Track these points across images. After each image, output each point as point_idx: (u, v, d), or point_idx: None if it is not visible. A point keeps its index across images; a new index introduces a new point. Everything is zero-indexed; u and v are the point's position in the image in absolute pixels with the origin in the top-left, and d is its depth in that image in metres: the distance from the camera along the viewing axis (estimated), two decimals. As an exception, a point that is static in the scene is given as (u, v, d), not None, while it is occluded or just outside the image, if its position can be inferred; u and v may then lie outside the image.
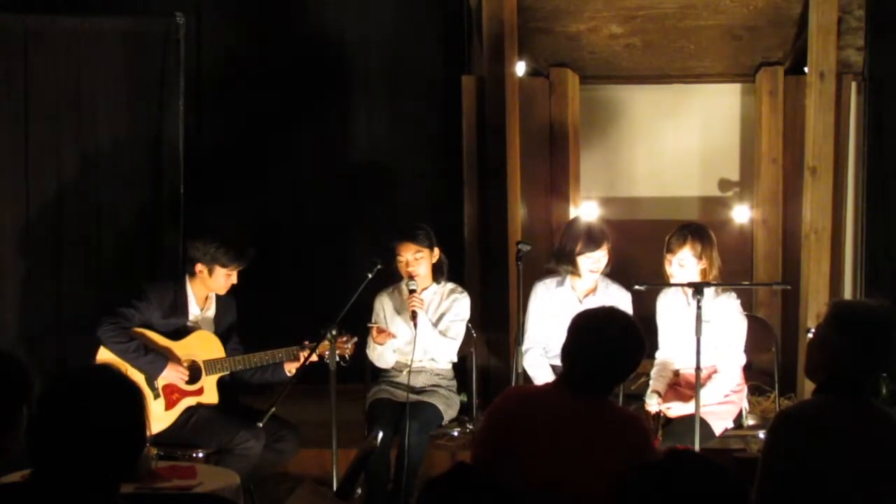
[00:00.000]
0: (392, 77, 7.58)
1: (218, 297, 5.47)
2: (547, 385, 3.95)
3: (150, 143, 6.52)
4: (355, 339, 5.21)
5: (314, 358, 5.13)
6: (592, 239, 5.54)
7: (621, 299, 5.59)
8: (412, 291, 5.48)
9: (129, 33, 6.52)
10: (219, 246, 5.27)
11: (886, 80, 6.61)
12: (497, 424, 3.67)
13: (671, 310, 5.53)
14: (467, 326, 5.74)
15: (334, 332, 5.00)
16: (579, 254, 5.54)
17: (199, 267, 5.31)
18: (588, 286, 5.66)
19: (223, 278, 5.32)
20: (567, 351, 3.65)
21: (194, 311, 5.40)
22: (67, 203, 6.44)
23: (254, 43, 7.51)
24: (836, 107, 6.60)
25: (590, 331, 3.64)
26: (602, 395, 3.66)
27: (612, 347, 3.60)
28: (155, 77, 6.52)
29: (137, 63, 6.51)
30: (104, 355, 5.20)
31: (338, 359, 5.02)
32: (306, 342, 5.23)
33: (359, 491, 5.07)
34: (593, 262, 5.56)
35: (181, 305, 5.35)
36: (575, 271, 5.60)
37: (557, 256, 5.67)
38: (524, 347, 5.44)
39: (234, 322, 5.54)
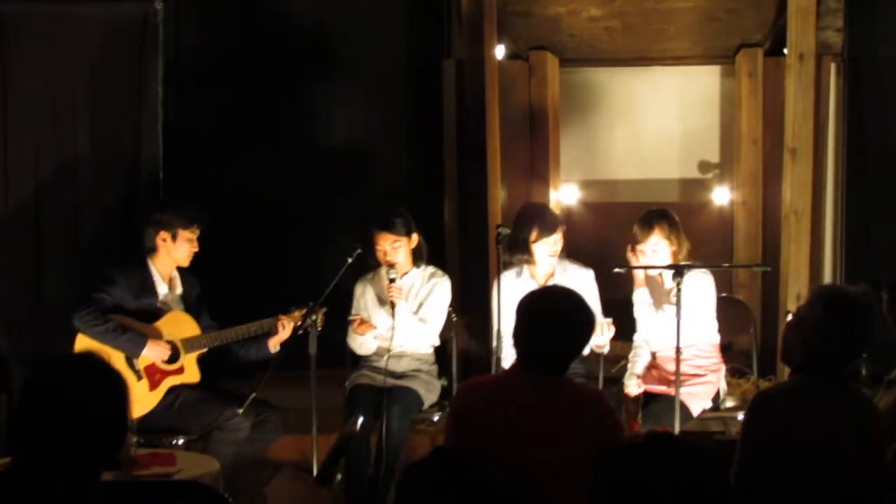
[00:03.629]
0: (371, 60, 7.53)
1: (182, 277, 5.50)
2: (503, 371, 3.93)
3: (129, 129, 6.49)
4: (325, 309, 5.21)
5: (294, 325, 5.23)
6: (547, 224, 5.44)
7: (583, 277, 5.53)
8: (392, 281, 5.46)
9: (106, 19, 6.49)
10: (174, 211, 5.44)
11: (865, 61, 6.62)
12: (459, 421, 3.67)
13: (647, 293, 5.49)
14: (448, 311, 5.72)
15: (311, 304, 5.09)
16: (535, 241, 5.42)
17: (162, 235, 5.38)
18: (546, 271, 5.54)
19: (186, 243, 5.40)
20: (518, 334, 3.65)
21: (162, 290, 5.41)
22: (46, 191, 6.40)
23: (232, 28, 7.46)
24: (816, 88, 6.60)
25: (537, 311, 3.65)
26: (558, 374, 3.65)
27: (562, 324, 3.60)
28: (133, 62, 6.49)
29: (116, 49, 6.48)
30: (82, 343, 5.17)
31: (309, 330, 5.07)
32: (281, 315, 5.29)
33: (339, 476, 5.07)
34: (550, 246, 5.45)
35: (149, 285, 5.38)
36: (531, 259, 5.48)
37: (511, 247, 5.48)
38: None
39: (202, 299, 5.58)
